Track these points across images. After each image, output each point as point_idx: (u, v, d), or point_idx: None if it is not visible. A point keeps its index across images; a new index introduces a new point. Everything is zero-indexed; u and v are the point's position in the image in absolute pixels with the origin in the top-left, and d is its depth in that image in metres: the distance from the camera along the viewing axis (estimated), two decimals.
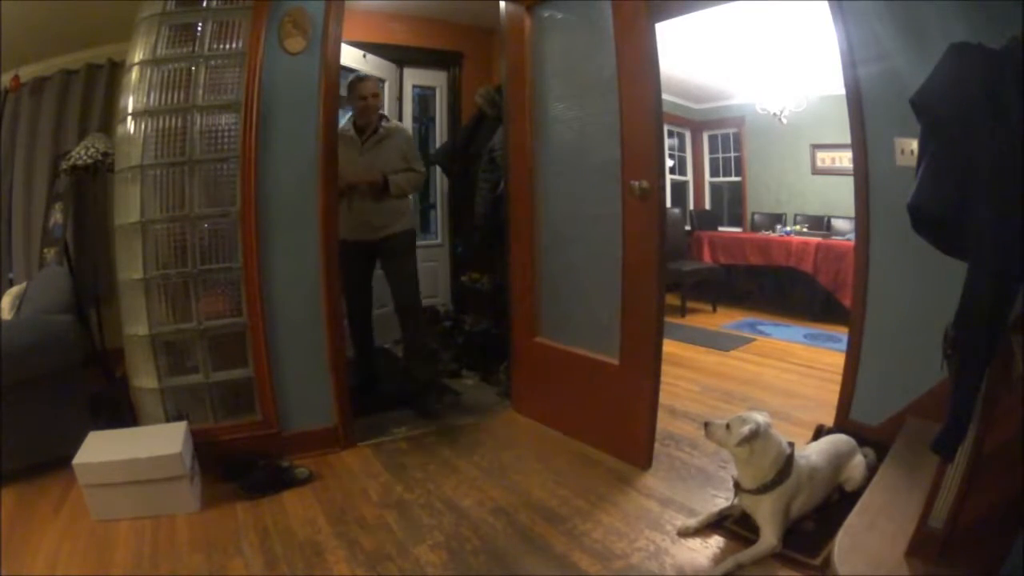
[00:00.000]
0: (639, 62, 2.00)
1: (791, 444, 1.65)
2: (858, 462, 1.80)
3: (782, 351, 3.79)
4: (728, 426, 1.64)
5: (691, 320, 4.80)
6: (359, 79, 2.64)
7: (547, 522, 1.81)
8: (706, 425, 1.70)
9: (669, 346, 2.80)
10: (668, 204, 5.69)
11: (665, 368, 2.17)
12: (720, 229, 6.13)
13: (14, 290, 2.62)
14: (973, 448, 1.15)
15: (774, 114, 5.42)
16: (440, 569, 1.59)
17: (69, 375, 2.17)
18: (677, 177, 6.51)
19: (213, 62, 2.13)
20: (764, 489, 1.58)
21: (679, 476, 2.07)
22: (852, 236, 2.56)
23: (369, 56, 3.66)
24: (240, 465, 2.06)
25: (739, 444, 1.60)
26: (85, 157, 2.64)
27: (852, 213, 2.13)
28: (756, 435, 1.59)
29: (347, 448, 2.36)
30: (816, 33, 3.69)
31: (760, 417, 1.63)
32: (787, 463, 1.60)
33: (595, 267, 2.30)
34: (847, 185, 2.25)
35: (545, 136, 2.52)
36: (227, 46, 2.13)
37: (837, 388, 2.23)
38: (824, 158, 5.43)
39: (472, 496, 1.98)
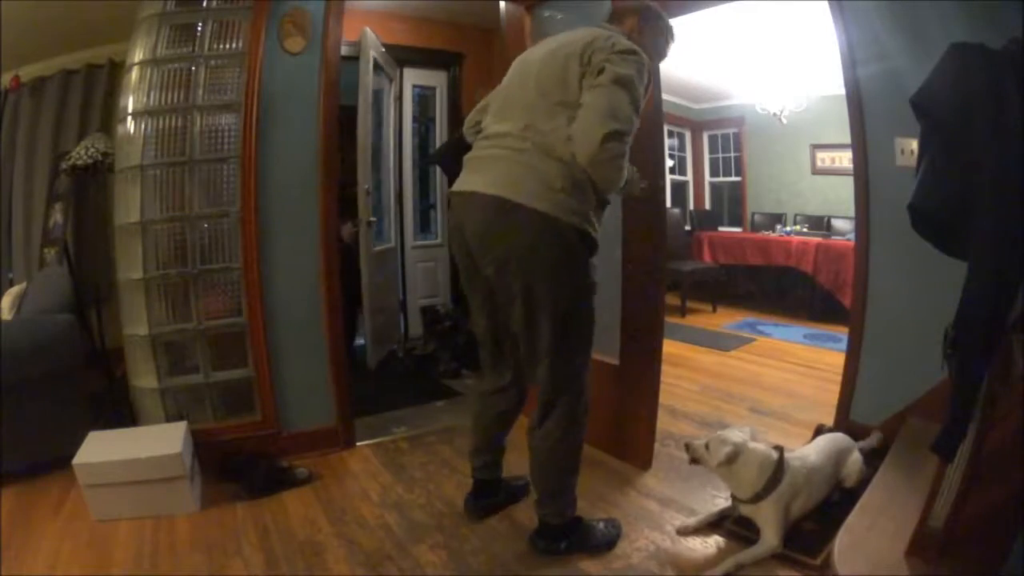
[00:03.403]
0: None
1: (779, 448, 1.64)
2: (855, 459, 1.81)
3: (782, 351, 3.79)
4: (707, 446, 1.65)
5: (691, 320, 4.80)
6: None
7: None
8: (687, 446, 1.70)
9: (669, 346, 2.79)
10: (668, 204, 5.69)
11: (665, 368, 2.17)
12: (720, 229, 6.13)
13: (14, 290, 2.62)
14: (973, 448, 1.14)
15: (774, 114, 5.42)
16: (440, 569, 1.59)
17: (69, 375, 2.17)
18: (677, 177, 6.51)
19: (213, 62, 2.13)
20: (757, 498, 1.58)
21: (679, 476, 2.07)
22: (852, 236, 2.56)
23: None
24: (240, 465, 2.06)
25: (719, 466, 1.61)
26: (85, 157, 2.64)
27: (852, 213, 2.13)
28: (736, 456, 1.59)
29: (347, 448, 2.36)
30: (816, 33, 3.69)
31: (738, 436, 1.63)
32: (776, 470, 1.59)
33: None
34: (847, 185, 2.25)
35: None
36: (227, 46, 2.13)
37: (837, 388, 2.23)
38: (824, 158, 5.43)
39: None
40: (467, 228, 1.50)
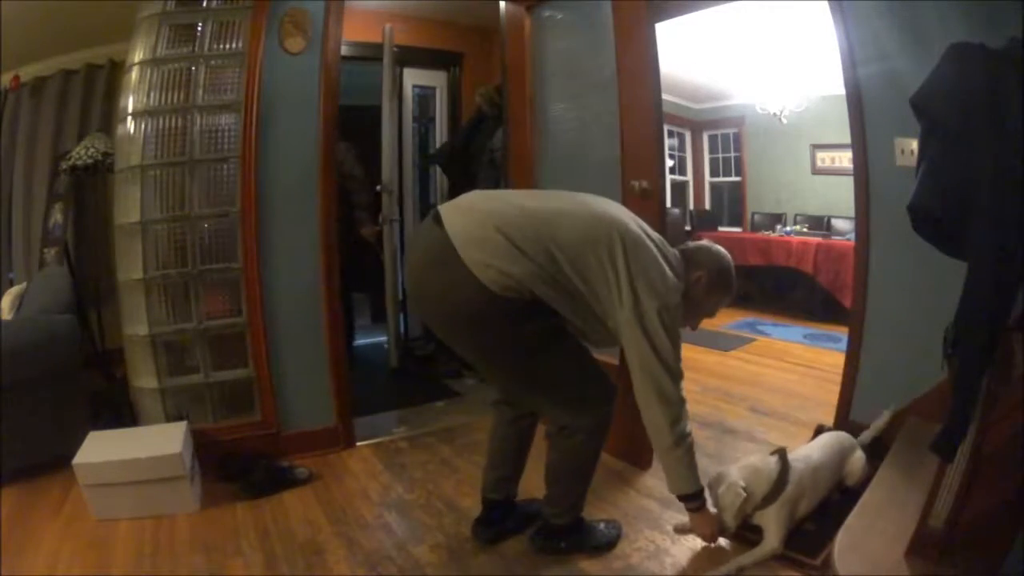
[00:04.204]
0: (639, 62, 2.00)
1: (781, 450, 1.63)
2: (858, 457, 1.81)
3: (782, 351, 3.79)
4: (719, 501, 1.57)
5: None
6: None
7: None
8: (720, 535, 1.60)
9: None
10: (668, 204, 5.70)
11: None
12: (720, 229, 6.13)
13: (14, 290, 2.62)
14: (973, 448, 1.14)
15: (774, 114, 5.43)
16: (440, 569, 1.59)
17: (69, 375, 2.17)
18: (677, 177, 6.51)
19: (213, 62, 2.13)
20: (765, 503, 1.57)
21: None
22: (852, 236, 2.56)
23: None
24: (240, 465, 2.06)
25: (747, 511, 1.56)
26: (85, 157, 2.64)
27: (852, 213, 2.13)
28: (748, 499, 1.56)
29: (347, 448, 2.36)
30: (816, 33, 3.69)
31: (732, 476, 1.59)
32: (780, 475, 1.58)
33: None
34: (847, 185, 2.25)
35: (545, 136, 2.52)
36: (227, 46, 2.13)
37: (837, 388, 2.23)
38: (824, 158, 5.43)
39: (472, 496, 1.97)
40: (414, 247, 1.52)
